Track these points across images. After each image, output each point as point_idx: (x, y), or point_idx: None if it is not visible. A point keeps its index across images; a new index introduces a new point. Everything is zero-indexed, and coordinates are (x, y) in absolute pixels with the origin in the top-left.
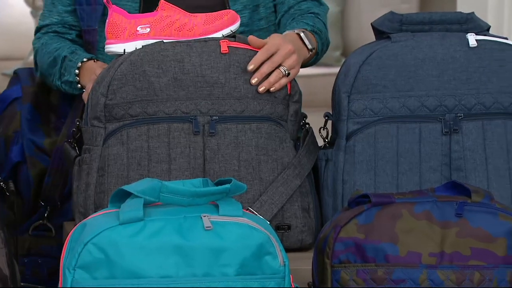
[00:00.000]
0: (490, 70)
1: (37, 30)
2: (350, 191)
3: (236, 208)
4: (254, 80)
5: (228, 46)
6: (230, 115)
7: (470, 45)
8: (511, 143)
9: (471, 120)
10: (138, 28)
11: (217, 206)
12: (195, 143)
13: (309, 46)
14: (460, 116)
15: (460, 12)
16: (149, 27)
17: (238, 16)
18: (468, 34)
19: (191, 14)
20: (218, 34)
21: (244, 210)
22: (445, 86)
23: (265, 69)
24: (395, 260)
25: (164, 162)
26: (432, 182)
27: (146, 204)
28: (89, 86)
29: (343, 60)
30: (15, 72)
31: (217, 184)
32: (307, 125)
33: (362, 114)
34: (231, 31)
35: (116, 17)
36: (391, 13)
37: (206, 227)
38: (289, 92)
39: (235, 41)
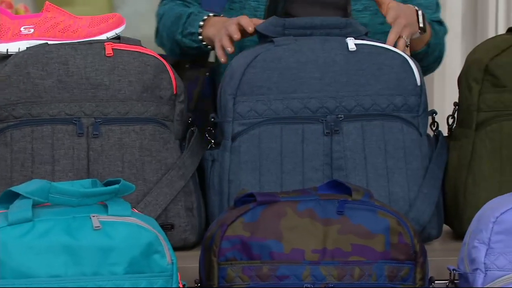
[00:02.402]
0: (368, 73)
1: None
2: (236, 190)
3: (124, 208)
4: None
5: (112, 49)
6: (114, 117)
7: (350, 49)
8: (389, 143)
9: (351, 121)
10: (22, 29)
11: (106, 206)
12: (79, 145)
13: (421, 24)
14: (340, 117)
15: (340, 18)
16: (33, 28)
17: (124, 19)
18: (348, 38)
19: (76, 16)
20: (103, 37)
21: (133, 210)
22: (326, 89)
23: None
24: (280, 257)
25: (48, 164)
26: (315, 181)
27: (35, 205)
28: (215, 33)
29: None
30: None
31: (106, 184)
32: (192, 127)
33: (247, 116)
34: (116, 33)
35: None
36: (274, 17)
37: (95, 227)
38: (175, 92)
39: (120, 43)
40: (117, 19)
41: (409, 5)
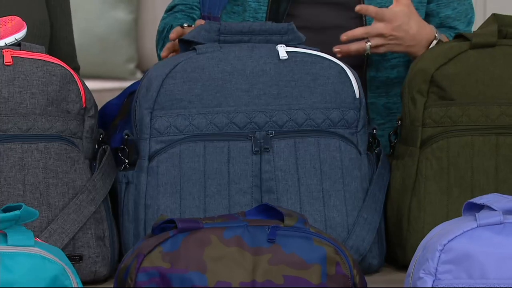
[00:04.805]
0: (302, 84)
1: (165, 12)
2: (154, 216)
3: (27, 237)
4: (336, 50)
5: (12, 56)
6: (14, 133)
7: (281, 57)
8: (324, 162)
9: (283, 138)
10: None
11: (5, 235)
12: None
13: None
14: (271, 134)
15: (282, 23)
16: None
17: (24, 23)
18: (279, 45)
19: None
20: (1, 43)
21: (37, 239)
22: (255, 102)
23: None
24: None
25: None
26: (242, 205)
27: None
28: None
29: (138, 73)
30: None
31: (5, 210)
32: (104, 144)
33: (166, 132)
34: (16, 39)
35: None
36: (208, 22)
37: None
38: (84, 106)
39: (20, 51)
40: (16, 23)
41: (428, 25)
